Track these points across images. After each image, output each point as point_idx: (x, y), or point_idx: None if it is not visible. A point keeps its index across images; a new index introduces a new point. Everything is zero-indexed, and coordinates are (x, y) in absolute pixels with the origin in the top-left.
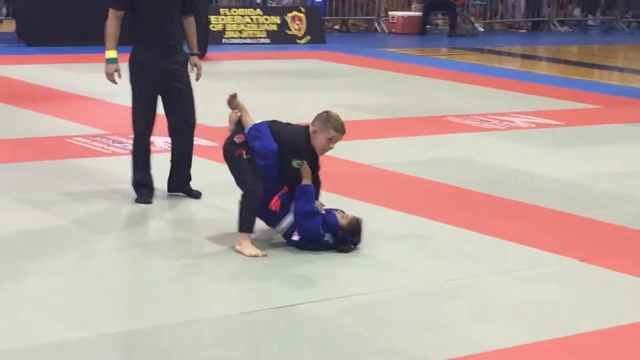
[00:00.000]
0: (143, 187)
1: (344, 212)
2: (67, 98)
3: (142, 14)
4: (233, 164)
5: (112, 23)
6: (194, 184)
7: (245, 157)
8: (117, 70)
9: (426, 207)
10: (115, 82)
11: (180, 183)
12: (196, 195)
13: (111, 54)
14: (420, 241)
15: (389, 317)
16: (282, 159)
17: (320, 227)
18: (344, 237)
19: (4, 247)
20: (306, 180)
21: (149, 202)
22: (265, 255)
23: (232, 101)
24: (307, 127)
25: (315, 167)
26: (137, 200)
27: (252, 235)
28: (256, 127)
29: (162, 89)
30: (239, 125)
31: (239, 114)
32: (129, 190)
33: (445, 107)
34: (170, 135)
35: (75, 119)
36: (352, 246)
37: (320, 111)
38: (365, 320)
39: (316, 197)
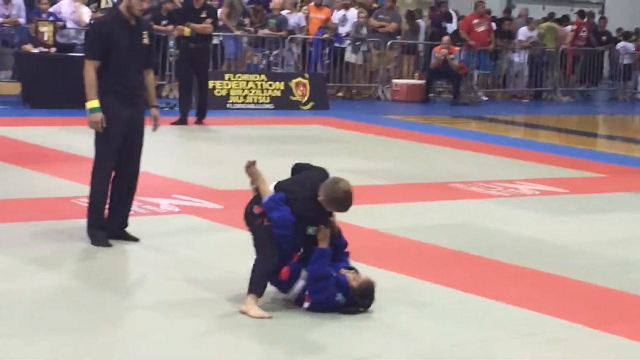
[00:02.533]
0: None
1: (357, 273)
2: (72, 159)
3: (116, 62)
4: (254, 230)
5: (91, 74)
6: (205, 245)
7: (265, 224)
8: (102, 119)
9: (431, 271)
10: (100, 130)
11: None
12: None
13: (94, 103)
14: (426, 305)
15: None
16: (298, 227)
17: (332, 287)
18: (353, 298)
19: (12, 306)
20: (323, 244)
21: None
22: (271, 317)
23: (249, 168)
24: (314, 187)
25: (327, 221)
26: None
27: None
28: (273, 198)
29: (122, 139)
30: (256, 195)
31: (254, 186)
32: (135, 249)
33: (450, 174)
34: (116, 180)
35: (80, 180)
36: (361, 309)
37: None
38: None
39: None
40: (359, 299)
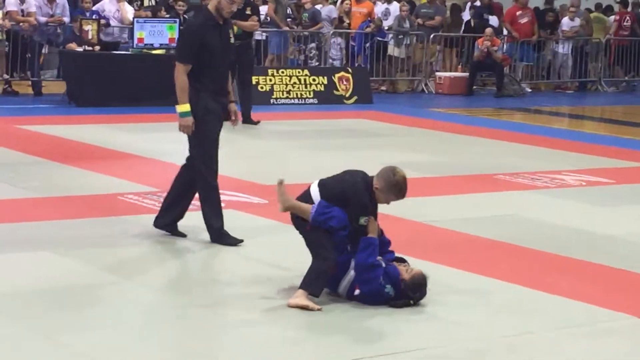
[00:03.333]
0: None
1: (409, 265)
2: (118, 156)
3: (209, 63)
4: (306, 235)
5: (182, 78)
6: (251, 239)
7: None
8: (193, 123)
9: (480, 263)
10: (190, 134)
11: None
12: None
13: (185, 107)
14: (476, 297)
15: None
16: (350, 220)
17: (382, 278)
18: (404, 290)
19: (58, 301)
20: (372, 234)
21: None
22: (320, 309)
23: (279, 186)
24: (365, 178)
25: (376, 214)
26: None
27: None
28: (320, 211)
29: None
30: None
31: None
32: (180, 246)
33: (495, 166)
34: (184, 173)
35: (126, 177)
36: (411, 302)
37: (387, 166)
38: None
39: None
40: (410, 292)
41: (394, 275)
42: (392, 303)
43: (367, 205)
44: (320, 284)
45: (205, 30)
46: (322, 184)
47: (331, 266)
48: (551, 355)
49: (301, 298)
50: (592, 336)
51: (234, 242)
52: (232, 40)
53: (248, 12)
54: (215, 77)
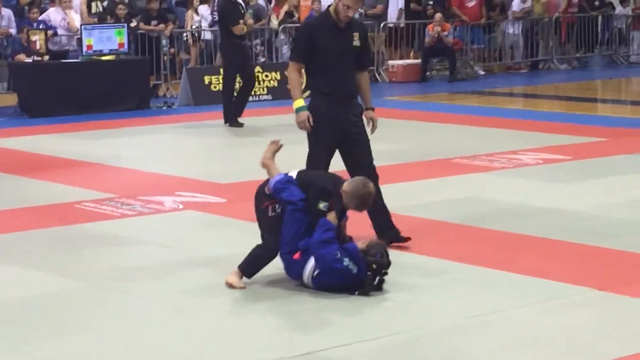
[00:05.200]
0: None
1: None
2: (73, 165)
3: (324, 65)
4: (260, 215)
5: (295, 76)
6: (210, 239)
7: (270, 214)
8: (308, 117)
9: (443, 247)
10: (308, 129)
11: (386, 228)
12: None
13: (299, 102)
14: (440, 280)
15: (419, 357)
16: (310, 205)
17: (338, 252)
18: (364, 260)
19: (23, 312)
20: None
21: None
22: (244, 287)
23: (271, 145)
24: (337, 178)
25: (338, 211)
26: None
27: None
28: (281, 181)
29: (340, 139)
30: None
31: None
32: (142, 250)
33: (452, 150)
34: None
35: (82, 185)
36: (377, 279)
37: (358, 177)
38: None
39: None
40: (370, 256)
41: (352, 249)
42: (360, 291)
43: (328, 191)
44: (255, 267)
45: (320, 31)
46: (300, 172)
47: (271, 255)
48: (519, 331)
49: (232, 275)
50: (557, 311)
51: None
52: (357, 43)
53: (243, 11)
54: (330, 80)
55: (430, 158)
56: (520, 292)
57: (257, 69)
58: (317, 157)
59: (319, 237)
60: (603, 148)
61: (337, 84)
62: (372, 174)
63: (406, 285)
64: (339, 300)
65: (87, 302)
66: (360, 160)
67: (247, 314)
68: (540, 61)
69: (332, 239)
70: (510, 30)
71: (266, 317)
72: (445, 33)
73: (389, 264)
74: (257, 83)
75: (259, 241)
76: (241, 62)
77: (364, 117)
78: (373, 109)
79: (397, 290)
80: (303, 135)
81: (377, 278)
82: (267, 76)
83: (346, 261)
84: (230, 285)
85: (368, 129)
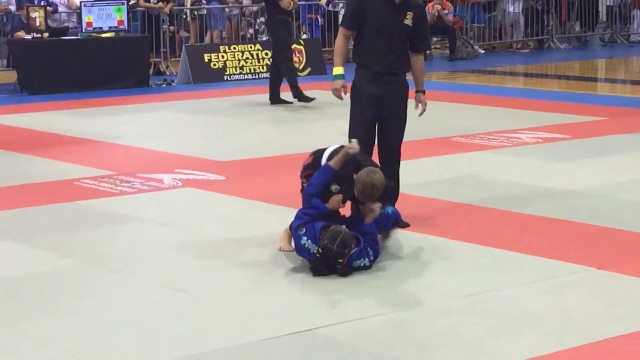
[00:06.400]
0: None
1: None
2: (72, 142)
3: (368, 38)
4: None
5: (341, 42)
6: (209, 216)
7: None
8: (344, 86)
9: (441, 225)
10: (341, 98)
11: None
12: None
13: (338, 70)
14: (436, 259)
15: (413, 336)
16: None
17: (301, 228)
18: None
19: (20, 289)
20: (330, 205)
21: None
22: (293, 250)
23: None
24: (356, 168)
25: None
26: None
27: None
28: (319, 172)
29: (377, 115)
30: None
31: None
32: (140, 228)
33: (451, 128)
34: (379, 160)
35: (81, 162)
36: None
37: (363, 172)
38: (389, 340)
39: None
40: (322, 241)
41: (316, 230)
42: (339, 272)
43: (342, 176)
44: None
45: (369, 3)
46: (333, 152)
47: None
48: (516, 310)
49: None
50: (554, 290)
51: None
52: (409, 22)
53: None
54: (375, 55)
55: (429, 137)
56: (518, 271)
57: (257, 47)
58: (353, 129)
59: (298, 211)
60: (603, 127)
61: (379, 59)
62: (393, 158)
63: (400, 263)
64: (335, 279)
65: (84, 280)
66: (386, 142)
67: (246, 292)
68: (541, 40)
69: (304, 215)
70: (511, 9)
71: (265, 296)
72: (446, 11)
73: (336, 253)
74: (257, 61)
75: (258, 218)
76: (287, 37)
77: (414, 100)
78: (424, 92)
79: (392, 268)
80: (300, 112)
81: (331, 262)
82: (266, 54)
83: (304, 239)
84: (281, 249)
85: (417, 112)
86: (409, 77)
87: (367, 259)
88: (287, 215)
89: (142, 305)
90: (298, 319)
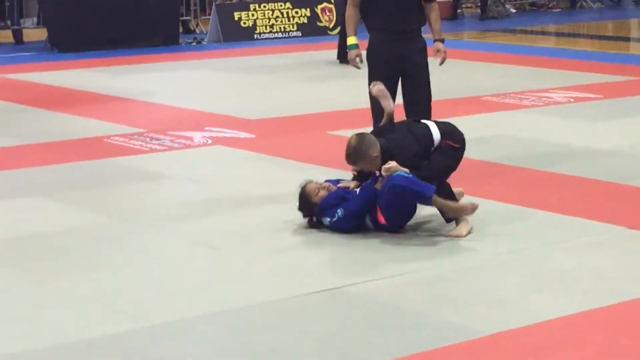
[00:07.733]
0: None
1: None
2: (103, 100)
3: (376, 3)
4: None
5: (351, 11)
6: (239, 174)
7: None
8: (359, 56)
9: (470, 184)
10: (358, 67)
11: None
12: None
13: (351, 40)
14: (469, 218)
15: (443, 294)
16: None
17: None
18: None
19: (53, 245)
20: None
21: None
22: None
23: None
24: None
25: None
26: None
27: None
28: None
29: (397, 74)
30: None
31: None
32: (172, 184)
33: (482, 88)
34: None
35: (112, 119)
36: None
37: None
38: (419, 297)
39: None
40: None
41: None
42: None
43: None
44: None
45: None
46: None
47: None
48: (547, 269)
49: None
50: (586, 249)
51: None
52: None
53: None
54: (384, 15)
55: (460, 96)
56: (549, 230)
57: (287, 5)
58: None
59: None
60: (635, 87)
61: (391, 19)
62: (424, 114)
63: (431, 222)
64: (366, 238)
65: (114, 236)
66: (413, 100)
67: (278, 252)
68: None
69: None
70: None
71: (296, 252)
72: None
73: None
74: (287, 20)
75: (287, 176)
76: None
77: (433, 50)
78: (442, 40)
79: (421, 230)
80: (329, 70)
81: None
82: (297, 12)
83: (339, 212)
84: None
85: (437, 60)
86: (427, 35)
87: (328, 218)
88: (316, 173)
89: (174, 261)
90: (328, 277)
